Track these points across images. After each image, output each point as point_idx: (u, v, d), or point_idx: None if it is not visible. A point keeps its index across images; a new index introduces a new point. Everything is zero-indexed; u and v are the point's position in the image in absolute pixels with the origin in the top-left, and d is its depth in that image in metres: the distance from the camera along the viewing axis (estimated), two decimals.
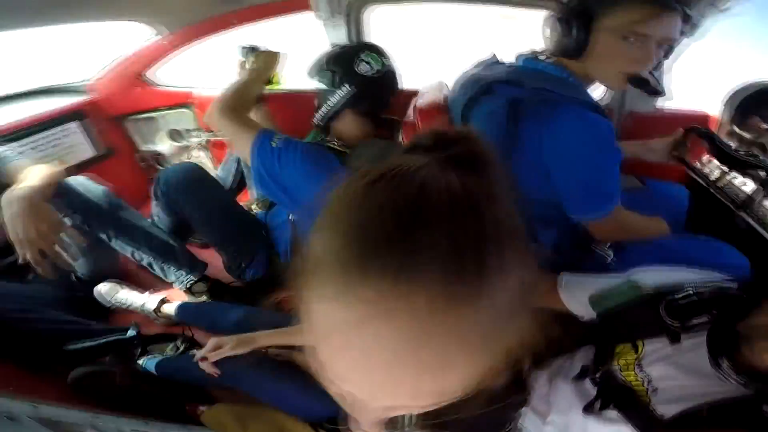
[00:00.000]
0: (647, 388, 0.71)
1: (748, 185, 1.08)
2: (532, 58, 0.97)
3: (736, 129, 1.16)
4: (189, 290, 1.36)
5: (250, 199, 1.58)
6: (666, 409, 0.69)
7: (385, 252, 0.24)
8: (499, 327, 0.27)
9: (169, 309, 1.29)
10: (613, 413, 0.72)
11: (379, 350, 0.24)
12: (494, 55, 1.09)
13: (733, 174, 1.12)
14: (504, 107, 0.87)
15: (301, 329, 0.98)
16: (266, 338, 1.00)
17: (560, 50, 0.90)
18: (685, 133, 1.13)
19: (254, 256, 1.34)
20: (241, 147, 1.19)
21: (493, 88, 0.92)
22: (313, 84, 1.33)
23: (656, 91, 0.89)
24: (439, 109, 1.06)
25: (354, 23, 1.41)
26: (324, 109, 1.27)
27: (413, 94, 1.25)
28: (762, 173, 1.04)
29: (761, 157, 1.06)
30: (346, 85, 1.19)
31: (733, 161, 1.09)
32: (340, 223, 0.28)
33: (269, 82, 1.39)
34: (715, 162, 1.16)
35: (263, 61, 1.32)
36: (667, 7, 0.79)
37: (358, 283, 0.24)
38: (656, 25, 0.80)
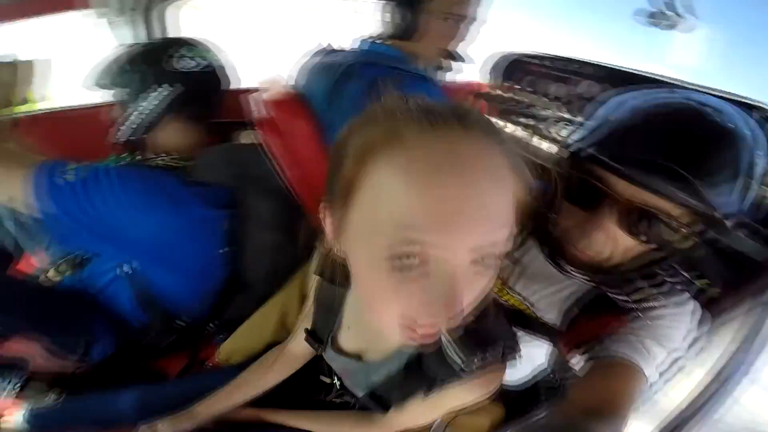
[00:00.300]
0: (527, 305, 0.79)
1: (519, 131, 1.49)
2: (372, 42, 1.07)
3: (499, 91, 1.58)
4: (21, 396, 0.92)
5: (41, 264, 1.15)
6: (550, 318, 0.77)
7: (452, 121, 0.40)
8: (518, 163, 0.42)
9: (13, 423, 0.86)
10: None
11: (469, 169, 0.37)
12: (329, 43, 1.15)
13: (509, 124, 1.52)
14: (365, 90, 0.94)
15: (245, 380, 0.83)
16: (208, 407, 0.83)
17: (395, 33, 1.02)
18: (474, 98, 1.46)
19: (90, 333, 1.00)
20: (10, 192, 0.86)
21: (355, 70, 0.97)
22: (100, 95, 1.06)
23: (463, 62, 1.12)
24: (294, 99, 1.03)
25: (157, 20, 1.19)
26: (133, 121, 1.03)
27: (246, 91, 1.17)
28: (528, 120, 1.45)
29: (524, 109, 1.48)
30: (165, 86, 0.99)
31: (506, 114, 1.48)
32: (403, 114, 0.41)
33: (24, 101, 1.04)
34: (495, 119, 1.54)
35: (12, 75, 0.98)
36: None
37: (441, 135, 0.39)
38: (468, 6, 1.00)
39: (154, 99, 0.99)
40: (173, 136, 1.07)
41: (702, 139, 0.54)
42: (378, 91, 0.91)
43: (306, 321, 0.83)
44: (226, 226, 1.05)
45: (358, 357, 0.72)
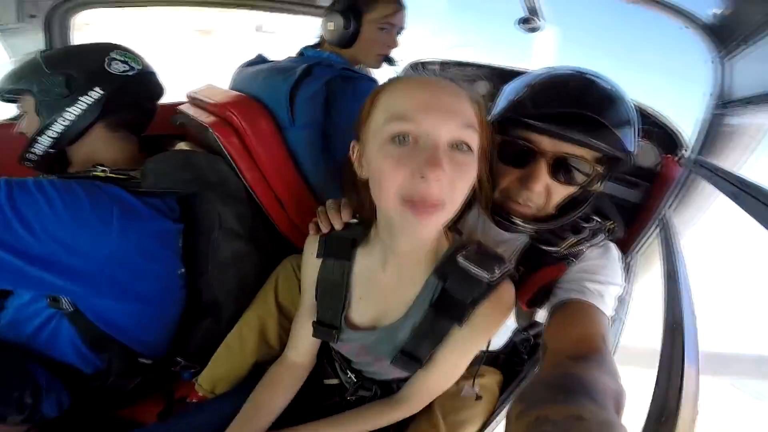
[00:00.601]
0: None
1: None
2: (315, 49, 1.16)
3: None
4: None
5: None
6: None
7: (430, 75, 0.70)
8: (476, 97, 0.60)
9: None
10: None
11: (436, 87, 0.58)
12: (260, 54, 1.20)
13: None
14: (323, 88, 1.02)
15: (257, 406, 0.85)
16: None
17: (337, 41, 1.13)
18: None
19: (32, 386, 0.81)
20: None
21: (313, 71, 1.03)
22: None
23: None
24: (250, 100, 1.03)
25: (59, 30, 1.04)
26: (55, 129, 0.88)
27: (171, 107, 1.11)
28: None
29: None
30: (97, 89, 0.87)
31: None
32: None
33: None
34: None
35: None
36: (402, 3, 1.16)
37: (421, 77, 0.64)
38: (399, 17, 1.15)
39: (82, 105, 0.87)
40: (105, 146, 0.94)
41: (602, 92, 0.71)
42: (334, 89, 1.00)
43: (304, 321, 0.83)
44: (181, 243, 0.97)
45: (374, 327, 0.75)
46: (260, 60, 1.19)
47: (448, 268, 0.67)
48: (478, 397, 0.86)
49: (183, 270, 0.97)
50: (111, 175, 0.89)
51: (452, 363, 0.74)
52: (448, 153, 0.54)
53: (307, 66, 1.03)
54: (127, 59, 0.92)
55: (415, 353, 0.72)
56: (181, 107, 1.13)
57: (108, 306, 0.86)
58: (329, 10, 1.13)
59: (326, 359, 0.91)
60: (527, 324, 0.93)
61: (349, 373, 0.85)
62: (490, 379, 0.96)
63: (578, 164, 0.71)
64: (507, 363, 1.05)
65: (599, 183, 0.77)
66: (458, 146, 0.55)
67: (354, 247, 0.74)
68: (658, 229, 1.01)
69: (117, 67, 0.90)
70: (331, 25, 1.11)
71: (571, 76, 0.74)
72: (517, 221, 0.77)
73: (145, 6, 1.29)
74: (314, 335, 0.80)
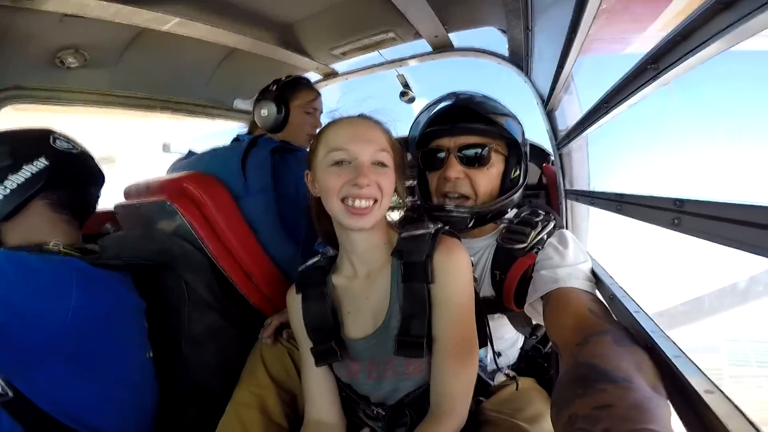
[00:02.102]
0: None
1: None
2: (247, 134, 1.30)
3: None
4: None
5: None
6: (488, 293, 0.91)
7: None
8: (387, 129, 0.79)
9: None
10: None
11: (358, 123, 0.77)
12: (190, 150, 1.30)
13: None
14: (270, 156, 1.13)
15: None
16: None
17: (271, 126, 1.28)
18: None
19: None
20: None
21: (258, 142, 1.14)
22: None
23: None
24: (203, 174, 1.08)
25: None
26: None
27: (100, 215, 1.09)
28: None
29: None
30: (42, 159, 0.84)
31: None
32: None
33: None
34: None
35: None
36: (318, 91, 1.38)
37: (347, 118, 0.79)
38: (318, 102, 1.36)
39: (26, 172, 0.83)
40: (48, 227, 0.87)
41: (475, 95, 0.96)
42: (279, 158, 1.12)
43: (310, 366, 0.82)
44: (146, 323, 0.91)
45: (372, 331, 0.77)
46: (193, 154, 1.27)
47: (399, 246, 0.77)
48: (512, 378, 0.89)
49: (151, 354, 0.91)
50: (64, 250, 0.84)
51: (453, 333, 0.74)
52: (371, 168, 0.72)
53: (252, 138, 1.14)
54: (69, 140, 0.92)
55: (412, 331, 0.73)
56: (118, 203, 1.10)
57: (68, 387, 0.76)
58: (260, 99, 1.30)
59: (348, 416, 0.87)
60: (530, 329, 0.96)
61: (375, 408, 0.82)
62: (524, 381, 0.94)
63: (477, 149, 0.90)
64: (531, 371, 1.07)
65: (515, 169, 0.95)
66: (377, 164, 0.73)
67: (326, 275, 0.82)
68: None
69: (61, 144, 0.89)
70: (264, 112, 1.27)
71: (451, 92, 0.99)
72: (450, 207, 0.91)
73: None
74: (318, 364, 0.78)
